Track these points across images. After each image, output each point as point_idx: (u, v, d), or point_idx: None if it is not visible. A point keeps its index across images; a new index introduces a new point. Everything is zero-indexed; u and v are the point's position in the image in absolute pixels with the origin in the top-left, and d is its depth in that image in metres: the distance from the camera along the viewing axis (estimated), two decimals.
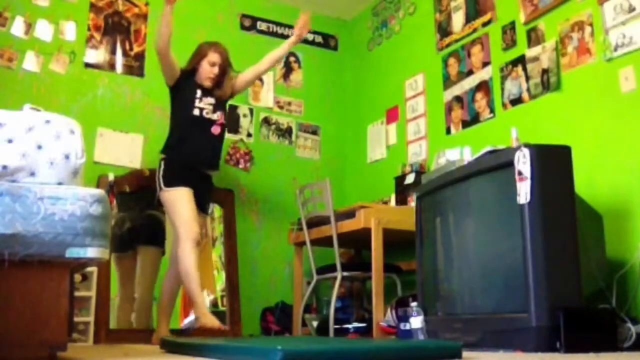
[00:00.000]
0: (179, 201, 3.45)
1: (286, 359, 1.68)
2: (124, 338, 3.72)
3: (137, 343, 3.54)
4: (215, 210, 4.44)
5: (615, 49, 3.07)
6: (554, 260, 2.37)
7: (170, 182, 3.50)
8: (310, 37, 5.10)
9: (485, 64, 3.88)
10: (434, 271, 3.06)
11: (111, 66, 4.31)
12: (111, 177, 3.97)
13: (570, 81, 3.31)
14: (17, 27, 4.01)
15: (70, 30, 4.18)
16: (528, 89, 3.54)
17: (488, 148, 2.91)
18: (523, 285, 2.37)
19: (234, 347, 2.09)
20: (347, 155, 5.15)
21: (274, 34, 4.94)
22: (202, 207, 3.64)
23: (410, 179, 4.32)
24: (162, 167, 3.56)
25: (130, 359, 2.26)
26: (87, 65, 4.23)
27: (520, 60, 3.61)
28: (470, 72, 4.00)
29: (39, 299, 1.88)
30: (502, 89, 3.73)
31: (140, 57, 4.41)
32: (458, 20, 4.17)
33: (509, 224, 2.51)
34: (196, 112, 3.61)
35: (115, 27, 4.36)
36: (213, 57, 3.68)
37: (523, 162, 2.45)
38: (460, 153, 3.33)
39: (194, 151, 3.59)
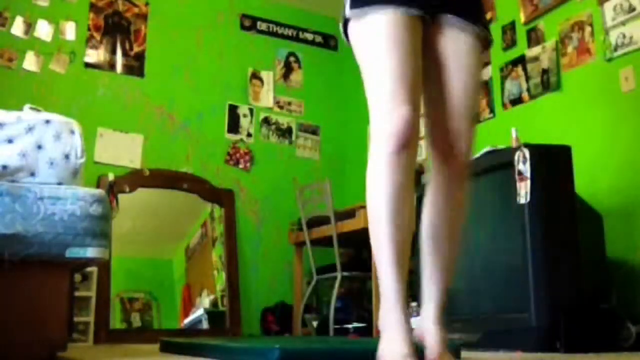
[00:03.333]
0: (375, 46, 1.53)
1: (283, 358, 1.69)
2: (124, 338, 3.72)
3: (136, 343, 3.54)
4: (215, 210, 4.44)
5: (615, 49, 3.07)
6: (554, 260, 2.37)
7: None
8: (310, 37, 5.09)
9: (485, 64, 3.88)
10: None
11: (111, 66, 4.31)
12: (111, 177, 3.97)
13: (570, 81, 3.30)
14: (17, 27, 4.00)
15: (70, 30, 4.17)
16: (528, 89, 3.54)
17: (488, 148, 2.91)
18: (523, 285, 2.37)
19: (232, 347, 2.09)
20: (347, 155, 5.14)
21: (274, 34, 4.94)
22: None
23: None
24: None
25: (130, 359, 2.26)
26: (87, 65, 4.22)
27: (520, 60, 3.61)
28: None
29: (39, 299, 1.88)
30: (502, 89, 3.72)
31: (140, 57, 4.40)
32: None
33: (509, 224, 2.51)
34: None
35: (115, 27, 4.35)
36: None
37: (523, 162, 2.45)
38: None
39: None
